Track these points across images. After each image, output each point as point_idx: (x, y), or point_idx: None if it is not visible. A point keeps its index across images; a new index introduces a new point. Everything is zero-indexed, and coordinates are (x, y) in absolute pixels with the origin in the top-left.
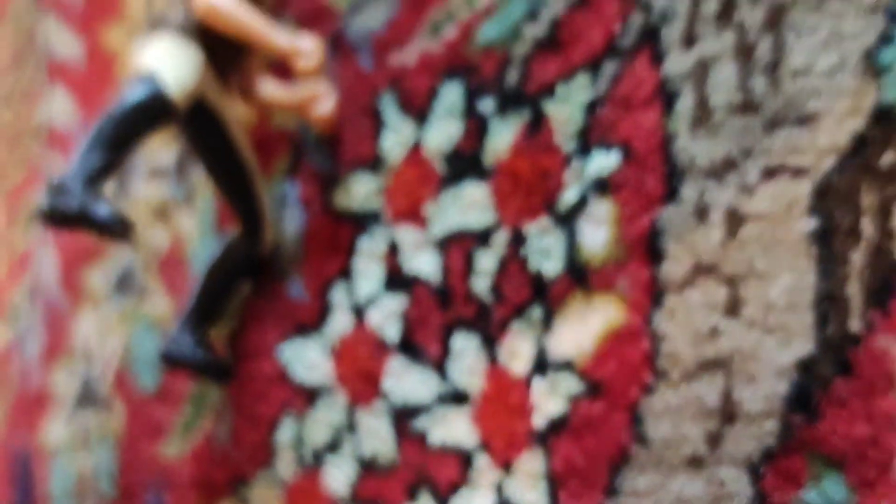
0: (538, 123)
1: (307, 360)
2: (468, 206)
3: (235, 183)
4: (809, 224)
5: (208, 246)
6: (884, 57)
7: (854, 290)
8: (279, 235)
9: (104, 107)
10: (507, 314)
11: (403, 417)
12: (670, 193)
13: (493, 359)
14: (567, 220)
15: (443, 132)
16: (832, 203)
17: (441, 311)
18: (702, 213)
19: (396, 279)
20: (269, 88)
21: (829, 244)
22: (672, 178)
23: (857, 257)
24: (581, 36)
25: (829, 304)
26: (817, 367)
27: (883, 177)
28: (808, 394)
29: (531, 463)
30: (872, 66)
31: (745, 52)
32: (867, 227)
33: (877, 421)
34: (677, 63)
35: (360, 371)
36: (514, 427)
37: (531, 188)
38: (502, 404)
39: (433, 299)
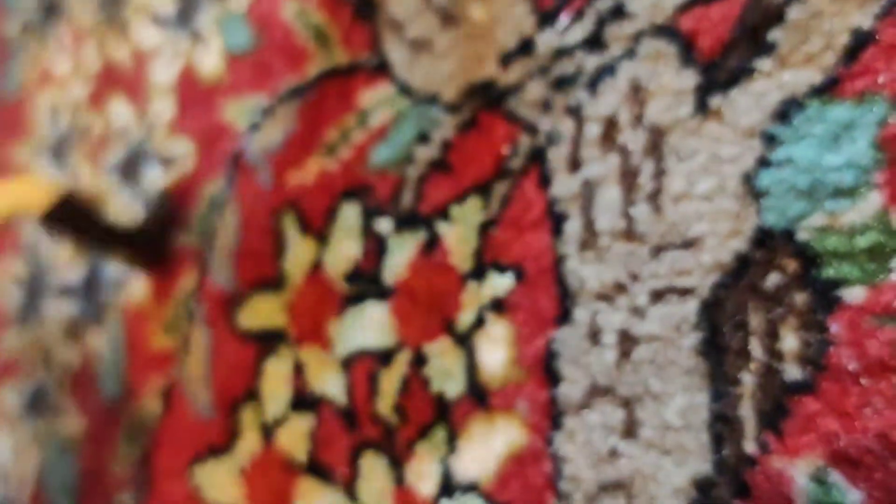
0: (433, 244)
1: (218, 481)
2: (370, 326)
3: None
4: (697, 340)
5: (119, 363)
6: (762, 180)
7: (747, 412)
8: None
9: None
10: (412, 435)
11: None
12: (564, 315)
13: (400, 480)
14: (466, 341)
15: (342, 252)
16: (720, 321)
17: (348, 432)
18: (595, 335)
19: (303, 399)
20: None
21: (720, 364)
22: (565, 300)
23: (748, 378)
24: (471, 158)
25: (723, 425)
26: (715, 488)
27: (768, 298)
28: None
29: None
30: (751, 189)
31: (628, 176)
32: (756, 348)
33: None
34: (564, 186)
35: (270, 493)
36: None
37: (430, 308)
38: None
39: (340, 420)
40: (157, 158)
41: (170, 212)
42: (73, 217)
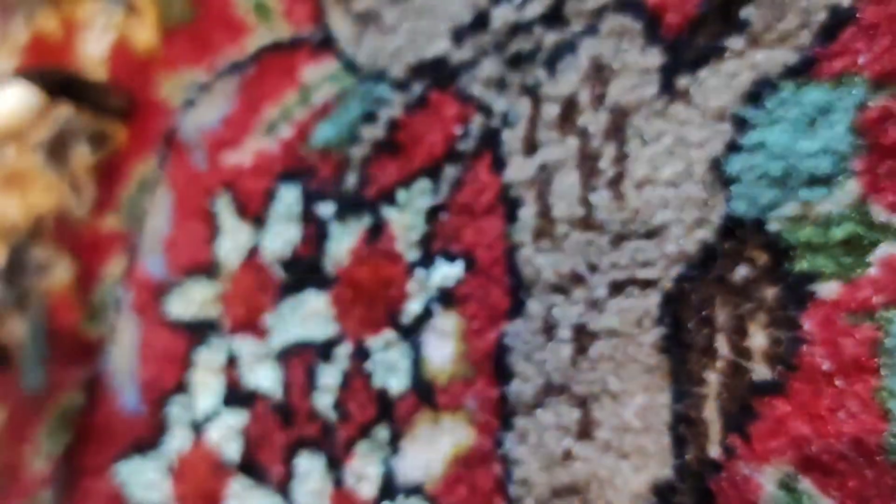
0: (379, 230)
1: (145, 479)
2: (309, 316)
3: None
4: (659, 335)
5: (40, 350)
6: (732, 166)
7: (712, 413)
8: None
9: None
10: (353, 434)
11: None
12: (516, 307)
13: (338, 482)
14: (411, 334)
15: (280, 237)
16: (684, 316)
17: (283, 430)
18: (550, 329)
19: (236, 394)
20: None
21: (683, 362)
22: (518, 292)
23: (714, 378)
24: (420, 139)
25: (686, 427)
26: (676, 495)
27: (737, 292)
28: None
29: None
30: (720, 176)
31: (588, 161)
32: (722, 345)
33: None
34: (519, 170)
35: (200, 492)
36: None
37: (373, 298)
38: None
39: (275, 416)
40: (85, 135)
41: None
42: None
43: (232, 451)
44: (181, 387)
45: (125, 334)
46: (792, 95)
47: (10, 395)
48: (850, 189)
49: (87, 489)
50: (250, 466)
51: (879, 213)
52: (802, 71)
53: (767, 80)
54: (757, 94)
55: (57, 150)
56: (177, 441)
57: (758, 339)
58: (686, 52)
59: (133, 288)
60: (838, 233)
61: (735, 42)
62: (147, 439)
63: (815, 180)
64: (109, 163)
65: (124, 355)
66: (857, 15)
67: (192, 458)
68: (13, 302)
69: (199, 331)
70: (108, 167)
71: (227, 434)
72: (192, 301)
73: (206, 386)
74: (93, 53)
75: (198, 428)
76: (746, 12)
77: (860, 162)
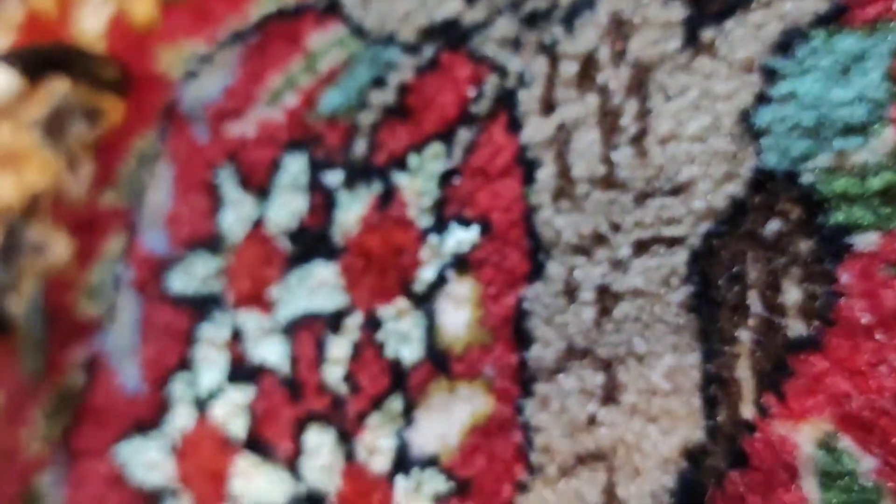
0: (389, 197)
1: (146, 459)
2: (317, 287)
3: None
4: (687, 294)
5: (38, 332)
6: (761, 117)
7: (745, 373)
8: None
9: None
10: (364, 407)
11: None
12: (536, 271)
13: (350, 456)
14: (425, 302)
15: (286, 208)
16: (714, 273)
17: (291, 404)
18: (571, 292)
19: (241, 369)
20: None
21: (713, 321)
22: (537, 255)
23: (746, 336)
24: (432, 102)
25: (717, 387)
26: (708, 458)
27: (768, 247)
28: (699, 489)
29: None
30: (749, 128)
31: (609, 118)
32: (755, 302)
33: None
34: (537, 130)
35: (205, 471)
36: None
37: (385, 267)
38: None
39: (282, 391)
40: (82, 112)
41: None
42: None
43: (238, 427)
44: (184, 364)
45: (125, 312)
46: (823, 44)
47: (7, 378)
48: (886, 137)
49: (86, 471)
50: (257, 443)
51: None
52: (834, 18)
53: (797, 29)
54: (786, 43)
55: (53, 126)
56: (180, 419)
57: (792, 294)
58: (710, 3)
59: (133, 265)
60: (875, 182)
61: None
62: (148, 419)
63: (849, 129)
64: (107, 138)
65: (124, 334)
66: None
67: (196, 436)
68: (10, 282)
69: (202, 306)
70: (106, 143)
71: (232, 411)
72: (194, 276)
73: (210, 362)
74: (90, 28)
75: (202, 405)
76: None
77: None
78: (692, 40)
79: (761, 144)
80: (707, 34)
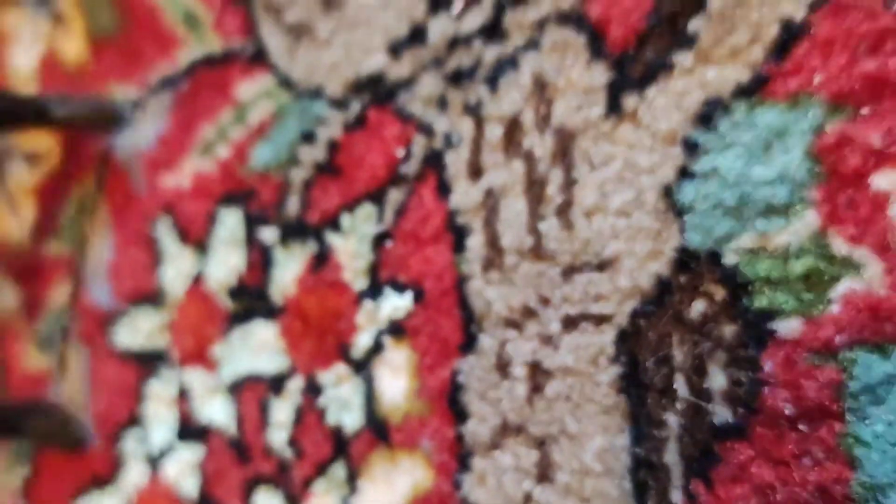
0: (324, 258)
1: None
2: (258, 347)
3: None
4: (616, 375)
5: None
6: (684, 194)
7: (673, 457)
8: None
9: None
10: (309, 472)
11: None
12: (469, 342)
13: None
14: (363, 368)
15: (225, 263)
16: (641, 354)
17: (240, 466)
18: (504, 366)
19: (190, 428)
20: None
21: (642, 403)
22: (469, 325)
23: (674, 420)
24: (362, 161)
25: (647, 471)
26: None
27: (694, 329)
28: None
29: None
30: (673, 205)
31: (535, 186)
32: (681, 386)
33: None
34: (465, 195)
35: None
36: None
37: (323, 331)
38: None
39: (230, 452)
40: (21, 155)
41: None
42: None
43: (189, 486)
44: (135, 420)
45: (75, 365)
46: (745, 117)
47: None
48: (808, 220)
49: None
50: (208, 502)
51: (840, 246)
52: (755, 90)
53: (719, 99)
54: (708, 115)
55: None
56: (134, 476)
57: (717, 379)
58: (633, 68)
59: (80, 316)
60: (797, 266)
61: (683, 58)
62: (104, 474)
63: (771, 210)
64: (46, 184)
65: (75, 387)
66: (812, 30)
67: (149, 493)
68: None
69: (148, 362)
70: (45, 188)
71: (183, 469)
72: (139, 331)
73: (160, 419)
74: (22, 67)
75: (154, 462)
76: (694, 25)
77: (818, 190)
78: (615, 107)
79: (685, 222)
80: (630, 101)
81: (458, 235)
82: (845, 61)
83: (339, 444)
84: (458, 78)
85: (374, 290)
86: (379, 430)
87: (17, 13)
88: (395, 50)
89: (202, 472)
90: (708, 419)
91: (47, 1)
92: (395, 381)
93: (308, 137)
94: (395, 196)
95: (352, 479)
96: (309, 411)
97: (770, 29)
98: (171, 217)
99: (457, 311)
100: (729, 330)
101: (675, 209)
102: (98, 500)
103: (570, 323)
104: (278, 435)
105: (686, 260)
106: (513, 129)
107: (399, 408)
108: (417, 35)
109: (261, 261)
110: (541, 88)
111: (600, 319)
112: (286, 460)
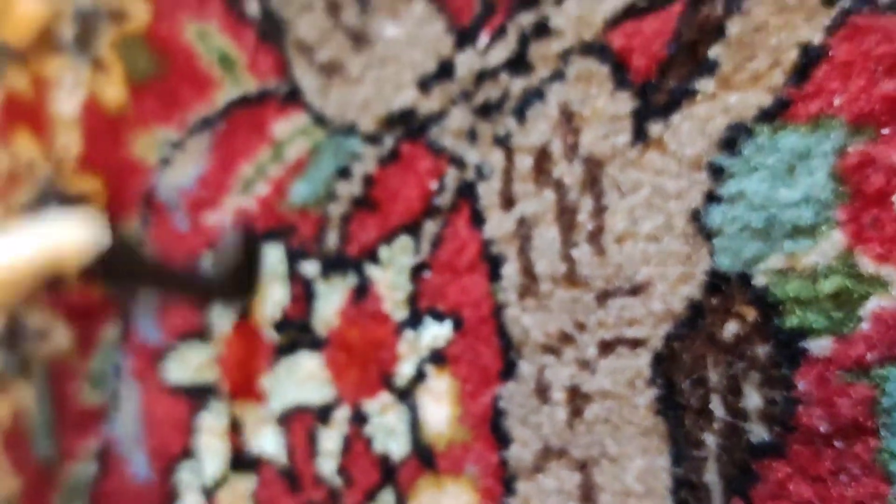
0: (365, 289)
1: None
2: (305, 379)
3: None
4: (653, 397)
5: (47, 417)
6: (712, 218)
7: (712, 476)
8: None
9: None
10: (359, 500)
11: None
12: (508, 369)
13: None
14: (407, 396)
15: (269, 298)
16: (677, 376)
17: (292, 495)
18: (543, 391)
19: (242, 459)
20: None
21: (679, 424)
22: (508, 352)
23: (712, 439)
24: (397, 195)
25: (687, 491)
26: None
27: (727, 350)
28: None
29: None
30: (701, 228)
31: (566, 214)
32: (717, 406)
33: None
34: (498, 225)
35: None
36: None
37: (366, 360)
38: None
39: (282, 481)
40: (66, 196)
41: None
42: (126, 265)
43: None
44: (188, 452)
45: (128, 401)
46: (768, 141)
47: (23, 465)
48: (834, 239)
49: None
50: None
51: (867, 265)
52: (777, 113)
53: (742, 124)
54: (732, 139)
55: (39, 209)
56: None
57: (753, 399)
58: (657, 95)
59: (131, 353)
60: (826, 286)
61: (706, 84)
62: None
63: (798, 231)
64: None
65: (129, 422)
66: (830, 54)
67: None
68: (16, 369)
69: (199, 395)
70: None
71: (237, 499)
72: (188, 365)
73: (213, 451)
74: (65, 112)
75: (208, 494)
76: (715, 52)
77: (843, 211)
78: (641, 135)
79: (714, 245)
80: (655, 129)
81: (493, 264)
82: (864, 83)
83: (387, 472)
84: (486, 110)
85: (414, 320)
86: (425, 456)
87: (58, 60)
88: (425, 85)
89: (255, 501)
90: (745, 438)
91: (87, 47)
92: (439, 408)
93: (344, 173)
94: (430, 228)
95: None
96: (356, 440)
97: (789, 53)
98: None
99: (495, 339)
100: (762, 350)
101: (704, 233)
102: None
103: (606, 347)
104: (327, 464)
105: (717, 282)
106: (542, 158)
107: (443, 434)
108: (445, 70)
109: (303, 294)
110: (568, 118)
111: (635, 343)
112: (336, 488)
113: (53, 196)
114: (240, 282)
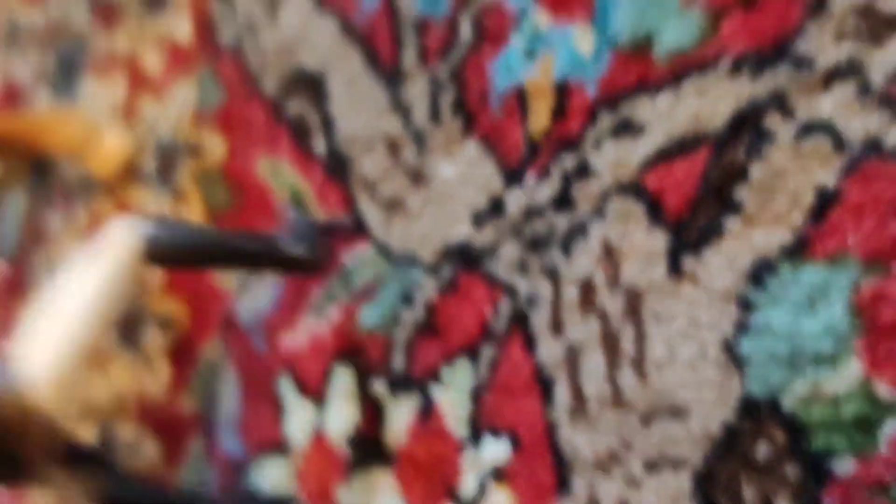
0: (429, 408)
1: None
2: (377, 492)
3: None
4: None
5: None
6: (742, 347)
7: None
8: None
9: None
10: None
11: None
12: (562, 485)
13: None
14: None
15: (342, 415)
16: (715, 495)
17: None
18: None
19: None
20: None
21: None
22: (561, 469)
23: None
24: (456, 321)
25: None
26: None
27: (760, 471)
28: None
29: None
30: (733, 357)
31: (610, 341)
32: None
33: None
34: (549, 350)
35: None
36: None
37: (431, 475)
38: None
39: None
40: (154, 320)
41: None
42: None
43: None
44: None
45: None
46: (790, 275)
47: None
48: (853, 368)
49: None
50: None
51: (884, 391)
52: (798, 250)
53: (766, 259)
54: (758, 274)
55: (128, 331)
56: None
57: None
58: (688, 232)
59: (215, 466)
60: (848, 411)
61: (732, 222)
62: None
63: (820, 360)
64: (178, 345)
65: None
66: (843, 196)
67: None
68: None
69: None
70: (177, 349)
71: None
72: (269, 478)
73: None
74: None
75: None
76: (740, 194)
77: (860, 341)
78: (676, 268)
79: (745, 372)
80: (688, 263)
81: (545, 386)
82: (875, 224)
83: None
84: (535, 244)
85: (474, 438)
86: None
87: (142, 190)
88: (478, 220)
89: None
90: None
91: (169, 179)
92: None
93: (407, 300)
94: (487, 352)
95: None
96: None
97: (806, 196)
98: (291, 373)
99: (549, 457)
100: (791, 470)
101: (736, 361)
102: None
103: (651, 466)
104: None
105: (749, 407)
106: (587, 289)
107: None
108: (497, 207)
109: (373, 412)
110: (608, 253)
111: (677, 463)
112: None
113: (142, 317)
114: (315, 255)
